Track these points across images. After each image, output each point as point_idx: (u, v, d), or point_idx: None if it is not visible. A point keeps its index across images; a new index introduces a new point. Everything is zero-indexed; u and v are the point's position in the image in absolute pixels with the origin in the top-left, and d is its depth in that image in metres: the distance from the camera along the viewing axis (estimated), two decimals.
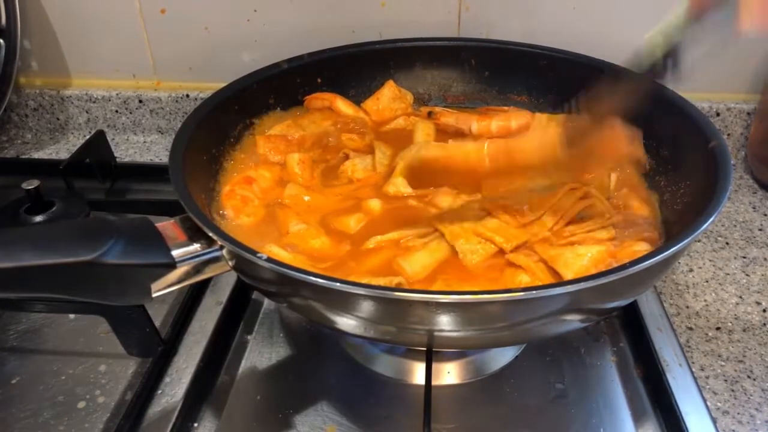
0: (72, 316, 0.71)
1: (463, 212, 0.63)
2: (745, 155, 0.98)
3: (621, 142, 0.52)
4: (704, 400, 0.59)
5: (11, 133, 1.12)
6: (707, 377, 0.64)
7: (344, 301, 0.48)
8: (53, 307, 0.68)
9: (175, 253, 0.52)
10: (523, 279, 0.57)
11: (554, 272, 0.57)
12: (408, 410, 0.61)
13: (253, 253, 0.49)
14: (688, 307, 0.73)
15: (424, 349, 0.62)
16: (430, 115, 0.83)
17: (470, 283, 0.58)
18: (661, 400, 0.61)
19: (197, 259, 0.53)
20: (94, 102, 1.07)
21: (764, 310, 0.72)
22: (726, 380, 0.64)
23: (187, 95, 1.05)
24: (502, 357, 0.66)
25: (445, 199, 0.67)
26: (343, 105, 0.83)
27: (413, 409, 0.60)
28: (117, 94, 1.06)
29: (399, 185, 0.70)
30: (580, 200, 0.64)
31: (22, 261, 0.47)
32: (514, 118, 0.80)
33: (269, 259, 0.48)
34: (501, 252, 0.59)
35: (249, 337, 0.70)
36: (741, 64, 0.94)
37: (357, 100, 0.86)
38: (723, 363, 0.66)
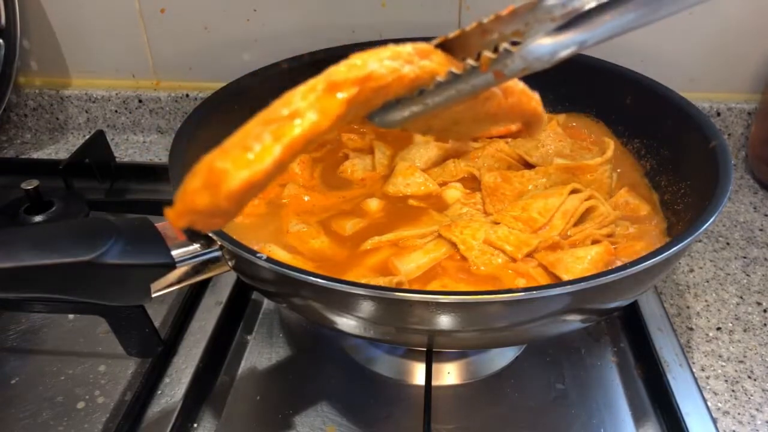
0: (71, 316, 0.71)
1: (472, 221, 0.63)
2: (745, 155, 0.98)
3: (524, 96, 0.43)
4: (705, 401, 0.59)
5: (10, 133, 1.12)
6: (708, 377, 0.64)
7: (344, 302, 0.48)
8: (53, 307, 0.68)
9: (175, 253, 0.52)
10: (521, 281, 0.57)
11: (555, 277, 0.57)
12: (408, 411, 0.61)
13: (253, 253, 0.48)
14: (688, 307, 0.72)
15: (424, 349, 0.62)
16: None
17: (467, 284, 0.58)
18: (661, 401, 0.61)
19: (197, 259, 0.53)
20: (94, 102, 1.07)
21: (765, 311, 0.72)
22: (726, 380, 0.64)
23: (187, 95, 1.05)
24: (502, 357, 0.66)
25: (453, 194, 0.68)
26: None
27: (413, 410, 0.60)
28: (116, 94, 1.06)
29: (399, 185, 0.70)
30: (583, 201, 0.63)
31: (22, 261, 0.47)
32: None
33: (269, 259, 0.48)
34: (512, 260, 0.59)
35: (249, 337, 0.70)
36: (741, 63, 0.94)
37: None
38: (723, 363, 0.65)
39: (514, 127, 0.50)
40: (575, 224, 0.62)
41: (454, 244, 0.61)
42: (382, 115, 0.39)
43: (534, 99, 0.44)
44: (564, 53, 0.35)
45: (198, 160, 0.69)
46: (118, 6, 0.99)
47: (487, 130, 0.47)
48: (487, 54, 0.34)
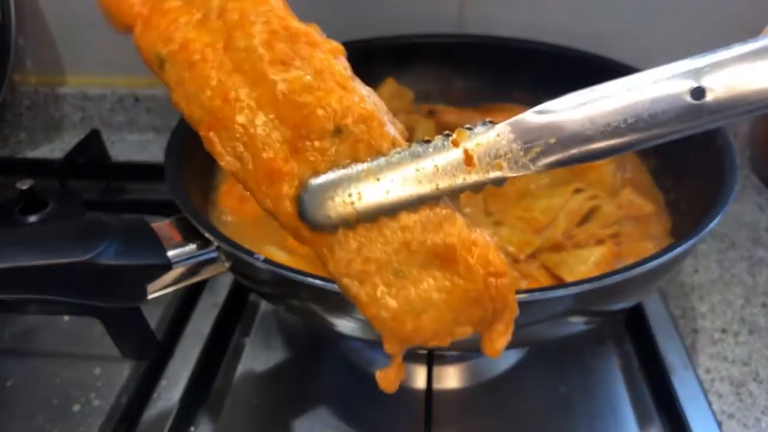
0: (66, 318, 0.71)
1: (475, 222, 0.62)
2: (751, 155, 0.97)
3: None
4: (709, 404, 0.59)
5: (5, 132, 1.11)
6: (713, 380, 0.63)
7: (343, 303, 0.47)
8: (47, 308, 0.67)
9: (171, 253, 0.51)
10: (523, 283, 0.56)
11: (558, 278, 0.56)
12: (408, 415, 0.60)
13: (250, 254, 0.48)
14: (693, 308, 0.72)
15: (425, 352, 0.61)
16: (430, 113, 0.82)
17: None
18: (665, 404, 0.60)
19: (193, 260, 0.52)
20: (90, 100, 1.06)
21: None
22: (732, 383, 0.63)
23: None
24: (504, 360, 0.65)
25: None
26: None
27: (414, 414, 0.59)
28: (112, 92, 1.05)
29: None
30: (587, 201, 0.63)
31: (16, 261, 0.46)
32: None
33: (266, 260, 0.47)
34: (515, 260, 0.58)
35: (246, 339, 0.69)
36: None
37: None
38: (729, 366, 0.65)
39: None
40: (579, 224, 0.62)
41: None
42: (316, 191, 0.31)
43: (511, 275, 0.32)
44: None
45: (195, 159, 0.68)
46: None
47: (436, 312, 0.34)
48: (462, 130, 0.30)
